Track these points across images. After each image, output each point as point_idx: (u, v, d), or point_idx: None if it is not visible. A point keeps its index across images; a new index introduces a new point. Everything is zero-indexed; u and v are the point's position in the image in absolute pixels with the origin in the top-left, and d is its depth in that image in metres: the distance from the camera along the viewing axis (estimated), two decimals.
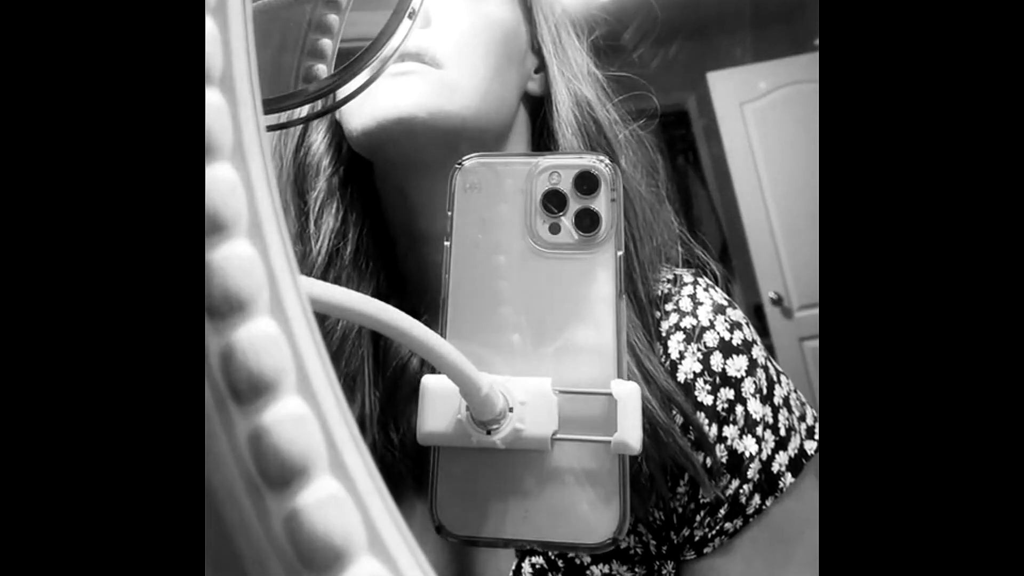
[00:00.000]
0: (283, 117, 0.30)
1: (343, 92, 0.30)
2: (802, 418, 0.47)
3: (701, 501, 0.43)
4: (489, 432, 0.27)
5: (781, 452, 0.44)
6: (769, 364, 0.48)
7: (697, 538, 0.43)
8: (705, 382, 0.45)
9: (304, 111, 0.30)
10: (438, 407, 0.28)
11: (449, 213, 0.31)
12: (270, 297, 0.15)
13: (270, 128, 0.30)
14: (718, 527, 0.43)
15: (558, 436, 0.28)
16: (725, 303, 0.49)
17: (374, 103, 0.43)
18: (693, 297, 0.49)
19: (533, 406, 0.28)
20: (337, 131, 0.51)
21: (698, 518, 0.43)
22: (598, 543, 0.28)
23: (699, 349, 0.46)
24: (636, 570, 0.43)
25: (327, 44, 0.31)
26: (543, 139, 0.51)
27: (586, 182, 0.30)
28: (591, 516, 0.28)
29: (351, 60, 0.29)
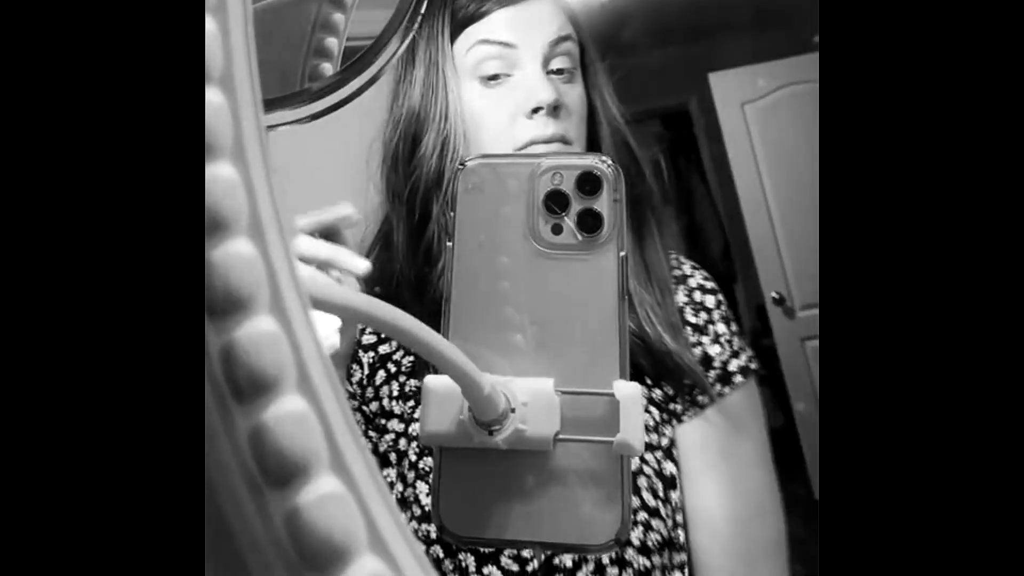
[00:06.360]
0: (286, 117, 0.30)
1: (347, 91, 0.30)
2: (743, 348, 0.68)
3: (690, 393, 0.66)
4: (491, 433, 0.27)
5: (734, 360, 0.67)
6: (724, 308, 0.70)
7: (678, 411, 0.65)
8: (692, 307, 0.68)
9: (310, 109, 0.30)
10: (440, 408, 0.28)
11: (452, 214, 0.31)
12: (270, 296, 0.15)
13: (271, 127, 0.30)
14: (693, 404, 0.65)
15: (560, 437, 0.28)
16: (702, 271, 0.72)
17: None
18: (682, 266, 0.73)
19: (535, 407, 0.28)
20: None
21: (679, 397, 0.66)
22: (601, 544, 0.28)
23: (686, 289, 0.69)
24: (650, 436, 0.63)
25: (333, 43, 0.31)
26: None
27: (588, 183, 0.30)
28: (594, 516, 0.28)
29: (355, 59, 0.29)
